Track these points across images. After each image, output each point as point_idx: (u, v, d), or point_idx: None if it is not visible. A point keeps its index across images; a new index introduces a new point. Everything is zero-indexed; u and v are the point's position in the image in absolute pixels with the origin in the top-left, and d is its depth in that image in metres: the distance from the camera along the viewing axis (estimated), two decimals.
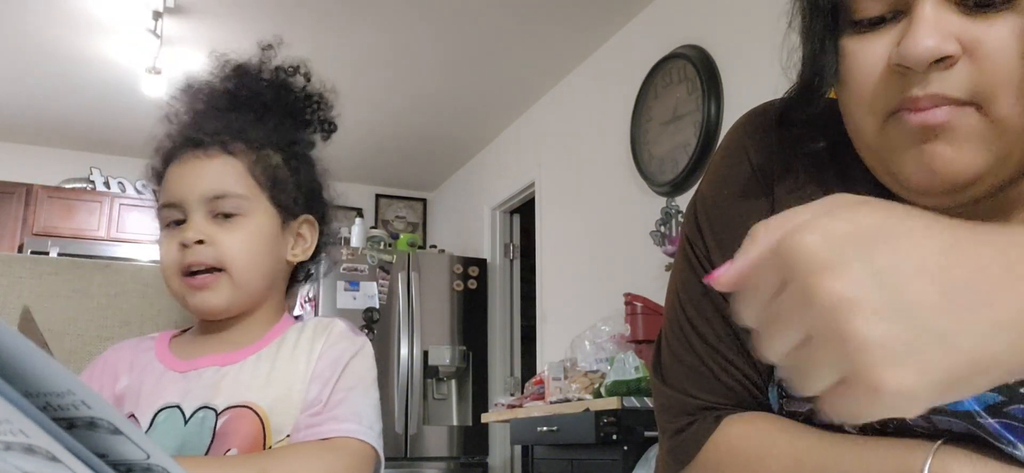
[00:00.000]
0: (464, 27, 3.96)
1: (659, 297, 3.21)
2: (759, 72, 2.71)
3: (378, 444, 0.94)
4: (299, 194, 1.04)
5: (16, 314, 1.15)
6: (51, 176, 5.30)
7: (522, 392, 3.94)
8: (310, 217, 1.06)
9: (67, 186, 5.30)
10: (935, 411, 0.57)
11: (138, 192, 5.38)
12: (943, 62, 0.55)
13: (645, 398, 2.74)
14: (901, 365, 0.37)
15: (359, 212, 6.00)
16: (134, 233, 5.21)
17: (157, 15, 3.73)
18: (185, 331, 1.06)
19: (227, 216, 0.97)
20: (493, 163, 5.38)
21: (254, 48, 1.07)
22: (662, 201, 3.51)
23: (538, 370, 4.21)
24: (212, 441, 0.91)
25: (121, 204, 5.31)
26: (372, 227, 5.79)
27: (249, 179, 0.99)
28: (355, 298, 4.82)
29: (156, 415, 0.94)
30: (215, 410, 0.93)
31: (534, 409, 3.33)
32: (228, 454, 0.91)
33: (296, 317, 1.07)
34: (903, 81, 0.57)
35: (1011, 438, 0.55)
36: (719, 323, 0.72)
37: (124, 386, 0.98)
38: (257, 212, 0.99)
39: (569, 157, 4.41)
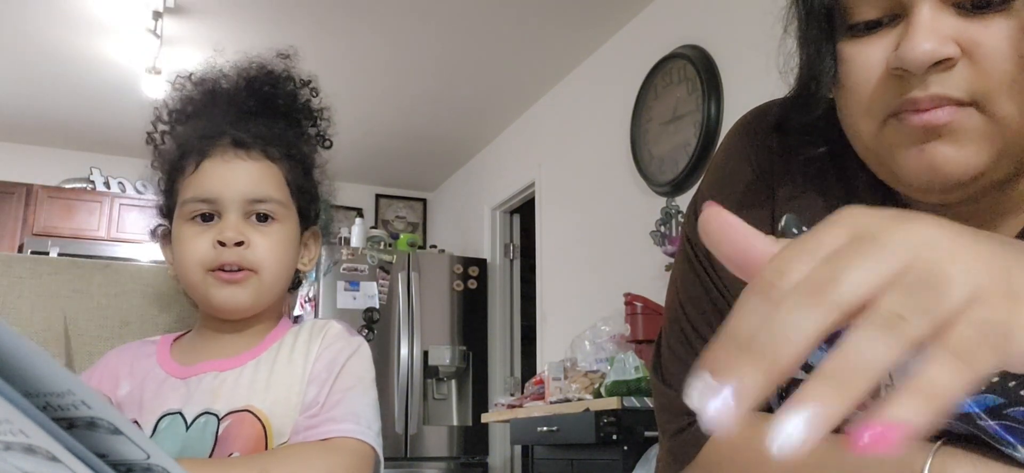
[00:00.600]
0: (464, 27, 3.96)
1: (659, 297, 3.21)
2: (759, 72, 2.70)
3: (377, 444, 0.94)
4: (315, 206, 1.06)
5: (16, 315, 1.15)
6: (51, 176, 5.30)
7: (522, 392, 3.94)
8: (316, 228, 1.08)
9: (67, 186, 5.30)
10: None
11: (138, 192, 5.38)
12: (942, 64, 0.55)
13: (645, 398, 2.74)
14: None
15: (359, 212, 6.00)
16: (134, 233, 5.20)
17: (157, 15, 3.73)
18: (185, 334, 1.06)
19: (262, 219, 0.97)
20: (493, 163, 5.38)
21: (262, 49, 1.07)
22: (662, 201, 3.51)
23: (538, 370, 4.21)
24: (214, 446, 0.92)
25: (121, 204, 5.31)
26: (372, 227, 5.79)
27: (284, 187, 1.00)
28: (355, 298, 4.82)
29: (158, 422, 0.94)
30: (217, 415, 0.93)
31: (534, 409, 3.33)
32: (231, 458, 0.91)
33: (296, 317, 1.08)
34: (902, 84, 0.57)
35: (1011, 440, 0.55)
36: (719, 323, 0.71)
37: (125, 392, 0.98)
38: (287, 219, 1.00)
39: (569, 157, 4.41)
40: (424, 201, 6.48)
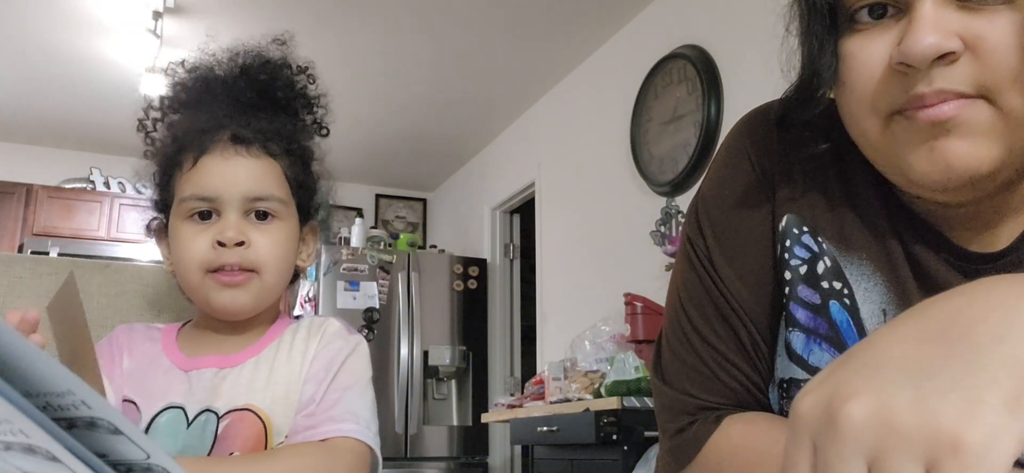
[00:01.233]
0: (464, 27, 3.96)
1: (659, 297, 3.21)
2: (759, 72, 2.70)
3: (375, 443, 0.94)
4: (313, 201, 1.05)
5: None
6: (51, 176, 5.30)
7: (522, 392, 3.94)
8: (315, 223, 1.07)
9: (67, 186, 5.30)
10: None
11: (138, 192, 5.38)
12: (945, 58, 0.55)
13: (645, 398, 2.73)
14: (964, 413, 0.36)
15: (359, 212, 6.00)
16: (134, 233, 5.20)
17: (157, 15, 3.73)
18: (187, 323, 1.05)
19: (262, 217, 0.95)
20: (493, 163, 5.38)
21: (260, 39, 1.05)
22: (662, 201, 3.51)
23: (538, 370, 4.20)
24: (213, 445, 0.91)
25: (121, 204, 5.31)
26: (372, 227, 5.79)
27: (285, 183, 0.99)
28: (355, 298, 4.82)
29: (159, 414, 0.93)
30: (217, 413, 0.93)
31: (534, 409, 3.33)
32: (231, 457, 0.91)
33: (296, 317, 1.07)
34: (906, 80, 0.57)
35: None
36: (720, 323, 0.72)
37: (127, 368, 0.97)
38: (287, 216, 0.98)
39: (569, 157, 4.41)
40: (424, 201, 6.48)
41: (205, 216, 0.94)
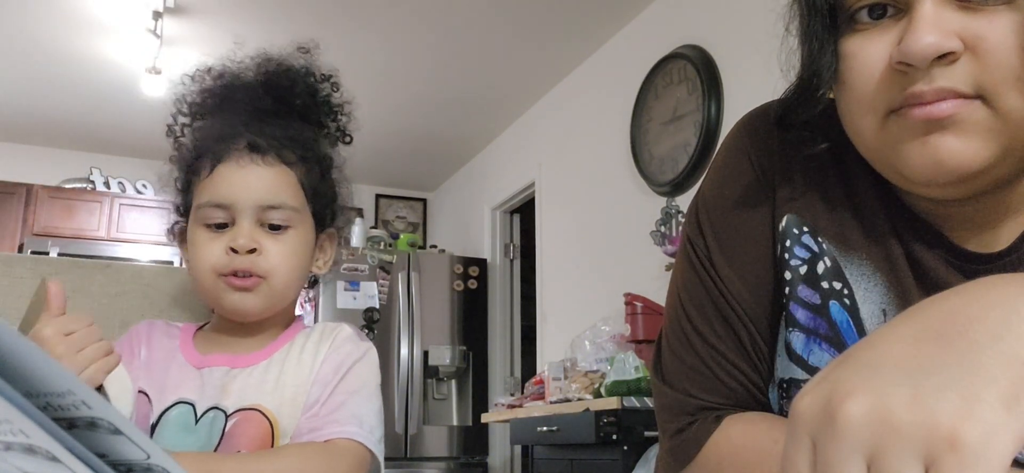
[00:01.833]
0: (464, 27, 3.96)
1: (659, 297, 3.21)
2: (759, 72, 2.70)
3: (378, 450, 0.95)
4: (331, 208, 1.05)
5: (16, 315, 1.15)
6: (51, 176, 5.30)
7: (522, 392, 3.94)
8: (333, 230, 1.07)
9: (67, 186, 5.30)
10: None
11: (138, 192, 5.38)
12: (945, 58, 0.55)
13: (645, 398, 2.73)
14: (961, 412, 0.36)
15: (359, 212, 6.00)
16: (134, 233, 5.20)
17: (157, 15, 3.73)
18: (205, 326, 1.07)
19: (275, 226, 0.96)
20: (493, 163, 5.38)
21: (286, 45, 1.05)
22: (662, 201, 3.51)
23: (538, 370, 4.20)
24: (220, 442, 0.92)
25: (121, 204, 5.31)
26: (372, 227, 5.79)
27: (300, 191, 0.99)
28: (355, 298, 4.82)
29: (170, 408, 0.94)
30: (225, 412, 0.94)
31: (534, 409, 3.33)
32: (233, 454, 0.91)
33: (297, 316, 1.08)
34: (905, 79, 0.57)
35: None
36: (720, 324, 0.72)
37: (142, 359, 0.99)
38: (301, 224, 0.99)
39: (569, 157, 4.41)
40: (424, 201, 6.48)
41: (221, 225, 0.96)
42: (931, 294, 0.43)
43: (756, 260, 0.72)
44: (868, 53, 0.59)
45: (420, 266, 5.07)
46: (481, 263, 5.27)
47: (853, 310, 0.66)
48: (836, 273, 0.67)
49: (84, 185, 5.34)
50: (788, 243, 0.70)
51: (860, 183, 0.69)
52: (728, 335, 0.71)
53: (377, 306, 4.86)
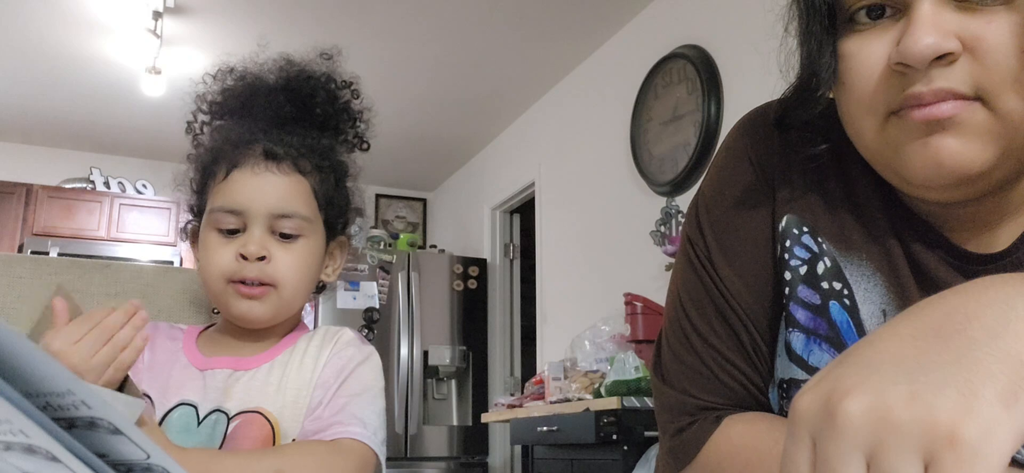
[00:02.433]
0: (464, 27, 3.96)
1: (659, 297, 3.21)
2: (759, 72, 2.70)
3: (381, 451, 0.95)
4: (343, 217, 1.06)
5: (16, 315, 1.15)
6: (51, 176, 5.30)
7: (522, 392, 3.94)
8: (344, 238, 1.08)
9: (67, 186, 5.29)
10: None
11: (138, 192, 5.38)
12: (944, 59, 0.55)
13: (645, 398, 2.74)
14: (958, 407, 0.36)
15: (359, 212, 5.99)
16: (134, 233, 5.20)
17: (157, 15, 3.73)
18: (209, 328, 1.07)
19: (286, 235, 0.97)
20: (493, 163, 5.38)
21: (309, 50, 1.05)
22: (662, 201, 3.51)
23: (538, 370, 4.20)
24: (222, 444, 0.93)
25: (121, 204, 5.31)
26: (372, 227, 5.79)
27: (313, 201, 1.00)
28: (355, 298, 4.82)
29: (172, 410, 0.95)
30: (227, 414, 0.94)
31: (534, 409, 3.33)
32: (238, 451, 0.92)
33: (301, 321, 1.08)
34: (904, 80, 0.57)
35: None
36: (720, 324, 0.72)
37: (148, 361, 0.99)
38: (313, 234, 1.00)
39: (569, 157, 4.41)
40: (424, 201, 6.48)
41: (233, 231, 0.96)
42: (931, 294, 0.43)
43: (756, 260, 0.72)
44: (867, 54, 0.59)
45: (420, 266, 5.07)
46: (481, 263, 5.27)
47: (853, 310, 0.66)
48: (836, 273, 0.67)
49: (84, 185, 5.34)
50: (788, 243, 0.70)
51: (860, 183, 0.69)
52: (728, 335, 0.71)
53: (377, 306, 4.86)
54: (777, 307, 0.71)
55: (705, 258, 0.74)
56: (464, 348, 5.06)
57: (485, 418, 4.02)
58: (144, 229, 5.18)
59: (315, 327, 1.08)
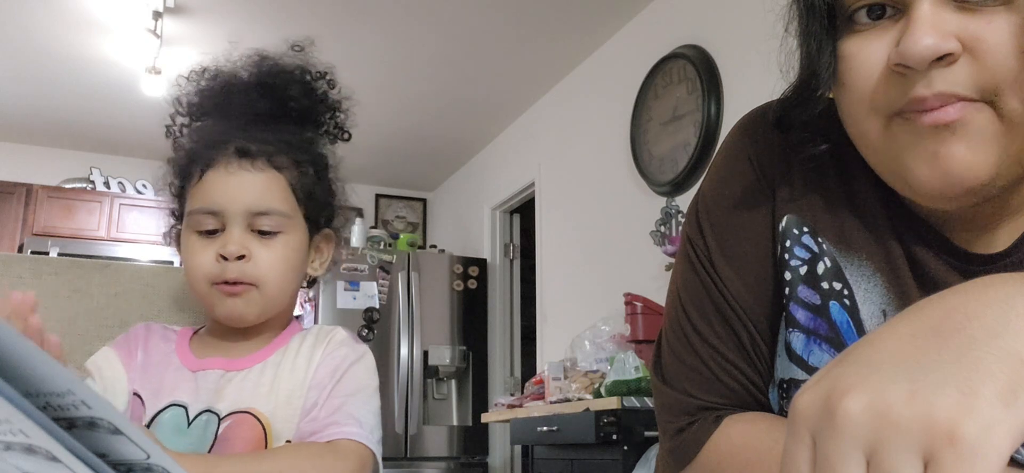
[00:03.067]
0: (464, 27, 3.96)
1: (659, 297, 3.21)
2: (759, 72, 2.70)
3: (378, 451, 0.95)
4: (326, 209, 1.05)
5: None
6: (51, 176, 5.30)
7: (522, 392, 3.94)
8: (330, 231, 1.06)
9: (67, 186, 5.29)
10: None
11: (138, 192, 5.38)
12: (944, 60, 0.55)
13: (645, 398, 2.73)
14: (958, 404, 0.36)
15: (359, 212, 6.00)
16: (134, 233, 5.20)
17: (157, 15, 3.73)
18: (200, 330, 1.07)
19: (265, 232, 0.96)
20: (493, 163, 5.38)
21: (279, 43, 1.05)
22: (662, 201, 3.51)
23: (538, 370, 4.20)
24: (213, 445, 0.92)
25: (121, 204, 5.31)
26: (372, 227, 5.79)
27: (290, 196, 0.99)
28: (355, 298, 4.81)
29: (162, 410, 0.94)
30: (218, 415, 0.94)
31: (534, 409, 3.33)
32: (238, 454, 0.92)
33: (296, 316, 1.08)
34: (905, 82, 0.57)
35: None
36: (720, 324, 0.72)
37: (139, 361, 0.99)
38: (293, 229, 0.99)
39: (569, 157, 4.41)
40: (424, 201, 6.48)
41: (212, 232, 0.96)
42: (931, 295, 0.43)
43: (756, 260, 0.72)
44: (867, 54, 0.59)
45: (420, 266, 5.07)
46: (481, 263, 5.27)
47: (853, 311, 0.66)
48: (836, 273, 0.67)
49: (84, 185, 5.34)
50: (788, 243, 0.70)
51: (860, 183, 0.69)
52: (728, 335, 0.71)
53: (377, 306, 4.86)
54: (777, 307, 0.71)
55: (705, 258, 0.74)
56: (464, 348, 5.06)
57: (485, 418, 4.02)
58: (144, 229, 5.17)
59: (317, 325, 1.07)
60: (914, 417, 0.35)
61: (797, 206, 0.71)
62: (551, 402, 3.20)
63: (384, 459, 0.97)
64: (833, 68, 0.61)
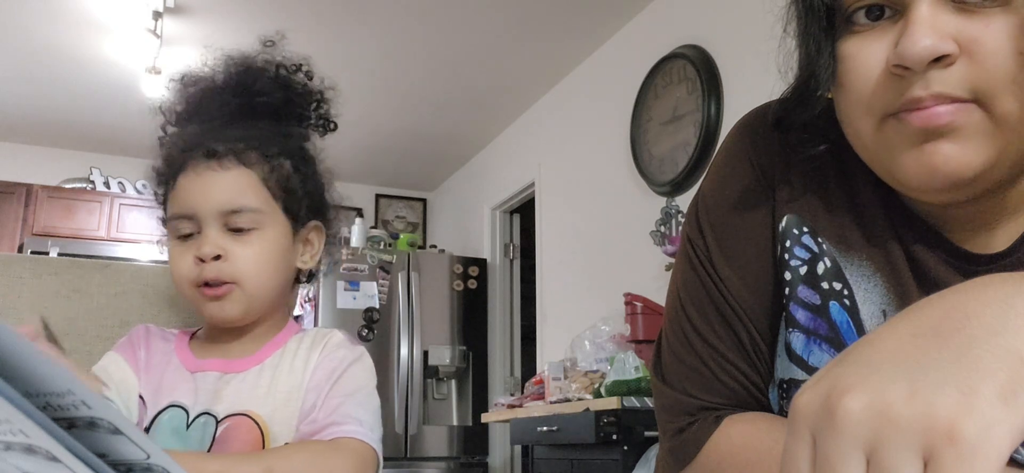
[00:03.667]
0: (464, 27, 3.96)
1: (659, 297, 3.21)
2: (759, 72, 2.69)
3: (379, 449, 0.95)
4: (308, 200, 1.04)
5: (16, 315, 1.15)
6: (51, 176, 5.30)
7: (522, 392, 3.94)
8: (318, 223, 1.06)
9: (67, 186, 5.30)
10: None
11: (138, 192, 5.38)
12: (941, 61, 0.55)
13: (645, 398, 2.74)
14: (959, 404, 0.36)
15: (359, 212, 6.00)
16: (134, 233, 5.20)
17: (157, 15, 3.73)
18: (198, 331, 1.07)
19: (241, 229, 0.96)
20: (493, 163, 5.38)
21: (254, 43, 1.05)
22: (662, 201, 3.51)
23: (538, 370, 4.20)
24: (211, 447, 0.93)
25: (121, 204, 5.31)
26: (372, 227, 5.79)
27: (264, 191, 0.98)
28: (355, 298, 4.82)
29: (162, 411, 0.95)
30: (216, 417, 0.94)
31: (534, 409, 3.33)
32: (242, 453, 0.92)
33: (296, 317, 1.08)
34: (902, 83, 0.57)
35: None
36: (720, 324, 0.72)
37: (143, 363, 0.99)
38: (271, 224, 0.98)
39: (569, 157, 4.41)
40: (424, 201, 6.48)
41: (190, 235, 0.96)
42: (931, 294, 0.43)
43: (756, 260, 0.72)
44: (866, 55, 0.59)
45: (420, 266, 5.07)
46: (481, 263, 5.27)
47: (853, 311, 0.66)
48: (836, 274, 0.68)
49: (84, 185, 5.34)
50: (788, 243, 0.70)
51: (860, 184, 0.69)
52: (728, 335, 0.71)
53: (377, 306, 4.86)
54: (777, 307, 0.71)
55: (705, 258, 0.74)
56: (464, 348, 5.06)
57: (485, 418, 4.02)
58: (144, 229, 5.17)
59: (315, 327, 1.07)
60: (914, 416, 0.36)
61: (797, 206, 0.71)
62: (551, 402, 3.20)
63: (384, 459, 0.97)
64: (832, 69, 0.61)
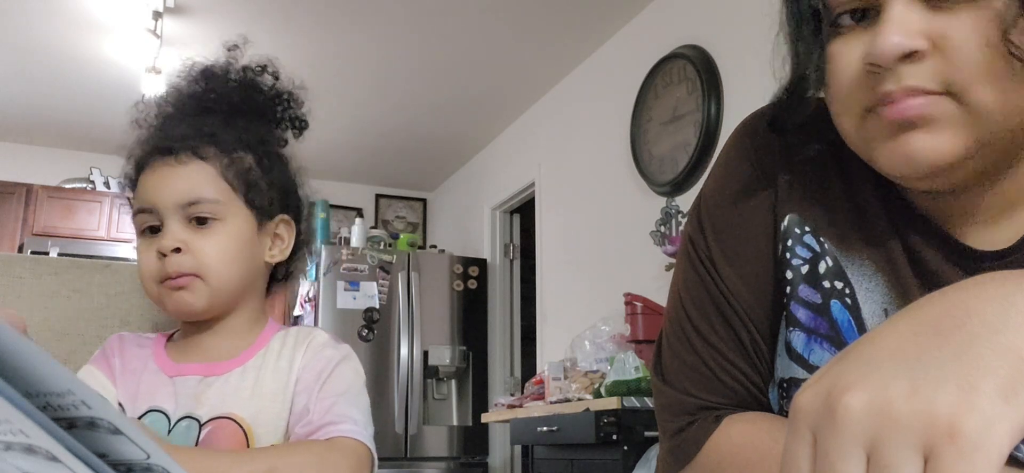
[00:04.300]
0: (464, 27, 3.96)
1: (659, 297, 3.21)
2: (759, 72, 2.69)
3: (373, 446, 0.95)
4: (274, 194, 1.04)
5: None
6: (51, 176, 5.30)
7: (522, 392, 3.94)
8: (286, 217, 1.06)
9: (67, 186, 5.30)
10: None
11: None
12: (912, 57, 0.57)
13: (645, 398, 2.74)
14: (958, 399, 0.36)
15: (359, 212, 6.00)
16: (134, 233, 5.20)
17: (157, 15, 3.73)
18: (174, 333, 1.07)
19: (202, 222, 0.96)
20: (493, 163, 5.38)
21: (220, 50, 1.07)
22: (662, 201, 3.51)
23: (538, 370, 4.21)
24: None
25: (121, 204, 5.31)
26: (372, 227, 5.79)
27: (222, 183, 0.99)
28: (355, 298, 4.82)
29: (142, 417, 0.95)
30: (199, 420, 0.94)
31: (534, 409, 3.33)
32: (239, 451, 0.92)
33: (296, 317, 1.08)
34: (876, 80, 0.59)
35: None
36: (720, 323, 0.72)
37: (119, 371, 0.99)
38: (232, 216, 0.98)
39: (569, 157, 4.41)
40: (424, 201, 6.48)
41: (154, 230, 0.97)
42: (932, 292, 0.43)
43: (757, 260, 0.72)
44: (846, 55, 0.61)
45: (420, 266, 5.07)
46: (481, 263, 5.27)
47: (854, 309, 0.66)
48: (837, 272, 0.68)
49: (84, 185, 5.34)
50: (790, 243, 0.70)
51: (860, 183, 0.69)
52: (728, 335, 0.72)
53: (377, 306, 4.86)
54: (777, 307, 0.71)
55: (706, 258, 0.74)
56: (464, 348, 5.06)
57: (485, 418, 4.02)
58: None
59: (296, 326, 1.07)
60: (914, 413, 0.36)
61: (798, 206, 0.71)
62: (551, 402, 3.20)
63: (384, 459, 0.97)
64: (822, 70, 0.63)
